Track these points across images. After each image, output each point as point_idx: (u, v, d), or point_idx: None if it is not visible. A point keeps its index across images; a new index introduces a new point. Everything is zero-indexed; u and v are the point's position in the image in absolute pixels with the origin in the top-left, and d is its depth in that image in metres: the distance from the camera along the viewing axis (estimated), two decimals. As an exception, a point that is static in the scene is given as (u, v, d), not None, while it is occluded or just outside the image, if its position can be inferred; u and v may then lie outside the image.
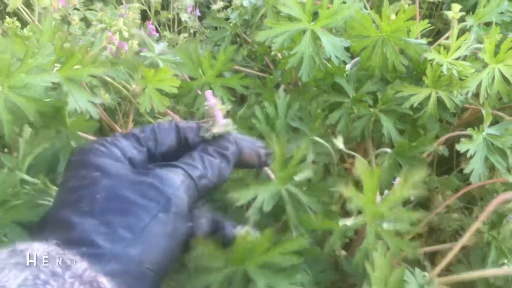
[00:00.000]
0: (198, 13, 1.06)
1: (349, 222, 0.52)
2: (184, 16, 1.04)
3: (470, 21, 0.74)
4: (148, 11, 1.07)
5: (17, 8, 0.87)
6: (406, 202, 0.84)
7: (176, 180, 0.39)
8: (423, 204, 0.87)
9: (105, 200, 0.36)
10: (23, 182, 0.52)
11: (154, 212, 0.36)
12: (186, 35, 1.02)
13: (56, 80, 0.51)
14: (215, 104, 0.46)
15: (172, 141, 0.44)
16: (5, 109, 0.50)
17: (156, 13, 1.10)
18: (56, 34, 0.56)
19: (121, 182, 0.37)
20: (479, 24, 0.78)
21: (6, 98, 0.50)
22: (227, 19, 1.03)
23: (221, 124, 0.46)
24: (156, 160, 0.43)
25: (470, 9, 0.94)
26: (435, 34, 1.08)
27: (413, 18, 0.65)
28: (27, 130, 0.53)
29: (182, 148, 0.45)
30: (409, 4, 0.82)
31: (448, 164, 0.92)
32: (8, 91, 0.50)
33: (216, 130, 0.45)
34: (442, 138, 0.71)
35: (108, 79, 0.65)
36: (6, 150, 0.71)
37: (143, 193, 0.37)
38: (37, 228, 0.38)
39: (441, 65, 0.63)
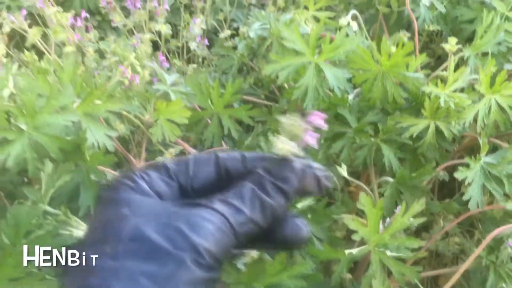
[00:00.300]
0: (206, 42, 1.10)
1: (354, 251, 0.55)
2: (193, 45, 1.08)
3: (467, 52, 0.78)
4: (159, 40, 1.11)
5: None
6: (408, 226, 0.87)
7: (208, 227, 0.34)
8: (426, 227, 0.89)
9: (129, 240, 0.34)
10: (46, 213, 0.55)
11: (179, 260, 0.33)
12: (195, 65, 1.06)
13: (76, 119, 0.55)
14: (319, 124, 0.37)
15: (210, 174, 0.38)
16: (29, 148, 0.53)
17: (166, 41, 1.14)
18: (77, 72, 0.60)
19: (148, 222, 0.34)
20: (477, 54, 0.81)
21: (30, 137, 0.54)
22: (234, 47, 1.07)
23: (303, 144, 0.37)
24: (190, 196, 0.38)
25: (468, 38, 0.98)
26: (436, 59, 1.11)
27: (412, 50, 0.68)
28: (49, 165, 0.56)
29: (226, 181, 0.38)
30: (408, 38, 0.86)
31: (450, 187, 0.95)
32: (33, 131, 0.54)
33: (290, 149, 0.37)
34: (442, 166, 0.74)
35: (124, 112, 0.69)
36: (26, 180, 0.74)
37: (170, 237, 0.34)
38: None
39: (439, 98, 0.66)
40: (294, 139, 0.37)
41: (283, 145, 0.37)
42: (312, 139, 0.37)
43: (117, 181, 0.37)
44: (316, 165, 0.39)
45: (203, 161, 0.39)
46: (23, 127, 0.54)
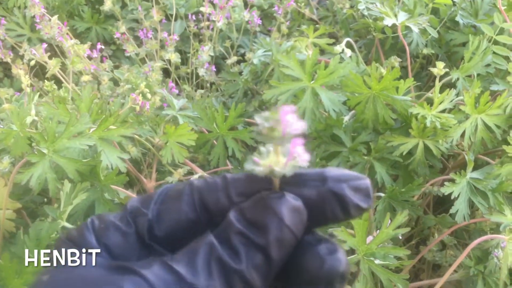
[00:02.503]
0: (214, 68, 1.16)
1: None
2: (201, 71, 1.15)
3: (456, 75, 0.83)
4: (169, 67, 1.18)
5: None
6: (407, 241, 0.91)
7: None
8: (424, 240, 0.93)
9: None
10: (64, 228, 0.61)
11: None
12: (202, 91, 1.12)
13: (92, 144, 0.61)
14: (292, 124, 0.25)
15: (181, 214, 0.27)
16: (50, 169, 0.60)
17: (176, 68, 1.21)
18: (93, 101, 0.67)
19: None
20: (467, 76, 0.86)
21: (51, 160, 0.60)
22: (240, 73, 1.14)
23: (292, 160, 0.25)
24: (152, 246, 0.28)
25: (462, 59, 1.02)
26: (433, 80, 1.16)
27: (400, 75, 0.74)
28: (67, 185, 0.62)
29: (206, 222, 0.28)
30: (402, 61, 0.92)
31: (449, 203, 0.99)
32: (53, 154, 0.60)
33: (281, 169, 0.25)
34: (434, 181, 0.78)
35: (136, 136, 0.75)
36: (45, 200, 0.81)
37: None
38: None
39: (426, 118, 0.71)
40: (274, 145, 0.25)
41: (266, 160, 0.25)
42: (295, 147, 0.25)
43: (65, 234, 0.30)
44: (336, 173, 0.26)
45: (173, 195, 0.28)
46: (45, 151, 0.60)
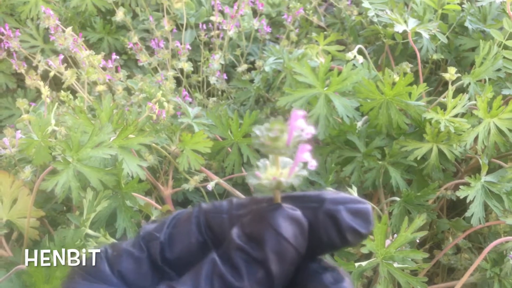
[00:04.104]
0: (224, 76, 1.18)
1: (364, 263, 0.61)
2: (212, 80, 1.16)
3: (467, 79, 0.84)
4: (181, 76, 1.19)
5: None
6: (421, 245, 0.92)
7: None
8: (438, 244, 0.94)
9: None
10: (88, 235, 0.63)
11: None
12: (215, 98, 1.14)
13: (114, 153, 0.63)
14: (303, 129, 0.24)
15: (190, 237, 0.28)
16: (74, 178, 0.61)
17: (187, 76, 1.23)
18: (113, 111, 0.68)
19: None
20: (478, 81, 0.87)
21: (75, 169, 0.62)
22: (251, 80, 1.15)
23: (296, 168, 0.25)
24: (164, 269, 0.29)
25: (472, 64, 1.03)
26: (443, 85, 1.17)
27: (413, 80, 0.75)
28: (90, 193, 0.64)
29: (213, 244, 0.28)
30: (413, 66, 0.93)
31: (461, 207, 1.00)
32: (77, 163, 0.61)
33: (286, 179, 0.25)
34: (447, 185, 0.79)
35: (153, 144, 0.77)
36: (65, 208, 0.82)
37: None
38: None
39: (439, 123, 0.72)
40: (277, 155, 0.25)
41: (267, 172, 0.25)
42: (303, 153, 0.24)
43: (76, 268, 0.30)
44: (334, 195, 0.26)
45: (184, 218, 0.29)
46: (69, 159, 0.61)
